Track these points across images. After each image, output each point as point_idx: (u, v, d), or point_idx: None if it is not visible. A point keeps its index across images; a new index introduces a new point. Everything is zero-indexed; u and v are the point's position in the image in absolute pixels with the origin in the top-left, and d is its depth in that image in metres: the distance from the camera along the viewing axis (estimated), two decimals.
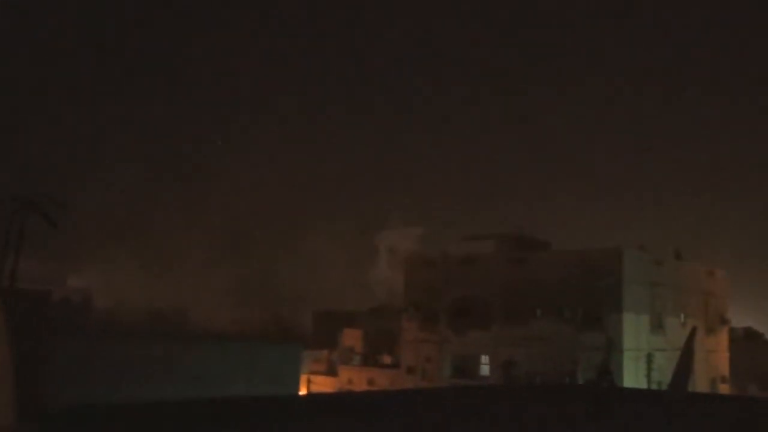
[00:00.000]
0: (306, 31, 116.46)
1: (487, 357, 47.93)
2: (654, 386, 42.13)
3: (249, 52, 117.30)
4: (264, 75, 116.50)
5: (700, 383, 44.64)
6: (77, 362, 25.11)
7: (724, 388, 50.80)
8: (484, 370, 47.94)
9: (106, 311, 46.28)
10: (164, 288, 55.34)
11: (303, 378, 46.99)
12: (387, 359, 56.36)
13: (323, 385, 55.76)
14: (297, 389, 36.64)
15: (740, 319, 60.12)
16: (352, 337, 59.23)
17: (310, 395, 38.97)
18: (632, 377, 41.90)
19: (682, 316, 47.29)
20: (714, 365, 50.67)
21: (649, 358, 43.43)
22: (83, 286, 51.32)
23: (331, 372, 57.94)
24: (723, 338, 52.97)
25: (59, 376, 23.42)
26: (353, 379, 55.11)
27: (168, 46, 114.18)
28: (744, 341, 57.81)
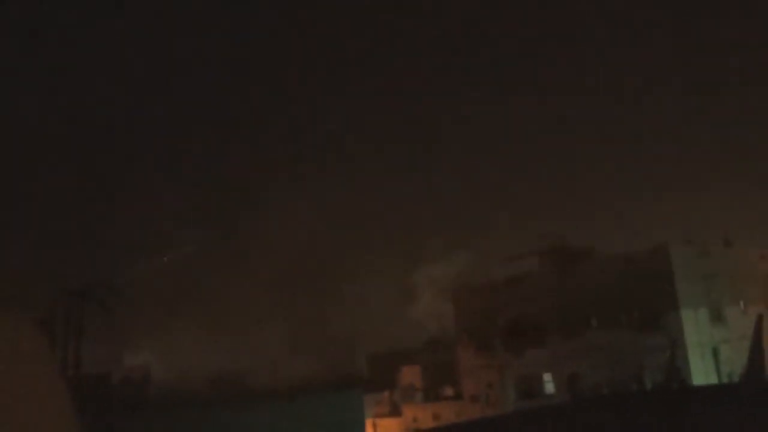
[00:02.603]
0: (320, 71, 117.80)
1: (550, 374, 47.27)
2: (725, 379, 41.19)
3: (274, 108, 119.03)
4: (289, 132, 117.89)
5: None
6: None
7: None
8: (549, 388, 47.25)
9: (167, 384, 46.60)
10: (220, 352, 55.70)
11: (368, 422, 46.71)
12: (449, 391, 55.78)
13: (389, 427, 55.29)
14: None
15: None
16: (410, 374, 58.82)
17: None
18: (701, 373, 41.00)
19: (742, 303, 46.23)
20: None
21: (715, 352, 42.51)
22: (141, 362, 51.83)
23: (395, 412, 57.45)
24: None
25: None
26: (418, 416, 54.57)
27: (191, 106, 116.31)
28: None
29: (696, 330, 42.35)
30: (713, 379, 40.64)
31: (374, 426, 54.17)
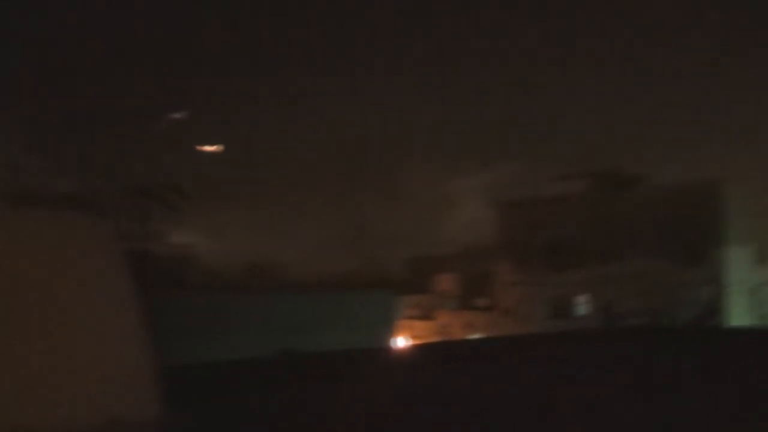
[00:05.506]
0: None
1: (583, 297, 47.31)
2: (759, 320, 40.90)
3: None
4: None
5: None
6: (178, 318, 25.93)
7: None
8: (580, 310, 47.39)
9: (206, 267, 47.53)
10: (260, 241, 56.56)
11: (400, 323, 47.45)
12: (482, 302, 56.28)
13: (420, 329, 56.17)
14: (394, 335, 37.19)
15: None
16: (446, 281, 59.27)
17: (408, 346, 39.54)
18: (737, 313, 40.65)
19: None
20: None
21: (753, 292, 42.01)
22: (183, 242, 52.63)
23: (427, 316, 58.27)
24: None
25: (162, 332, 24.27)
26: (450, 322, 55.32)
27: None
28: None
29: (738, 268, 41.75)
30: (747, 320, 40.32)
31: (406, 327, 55.08)
